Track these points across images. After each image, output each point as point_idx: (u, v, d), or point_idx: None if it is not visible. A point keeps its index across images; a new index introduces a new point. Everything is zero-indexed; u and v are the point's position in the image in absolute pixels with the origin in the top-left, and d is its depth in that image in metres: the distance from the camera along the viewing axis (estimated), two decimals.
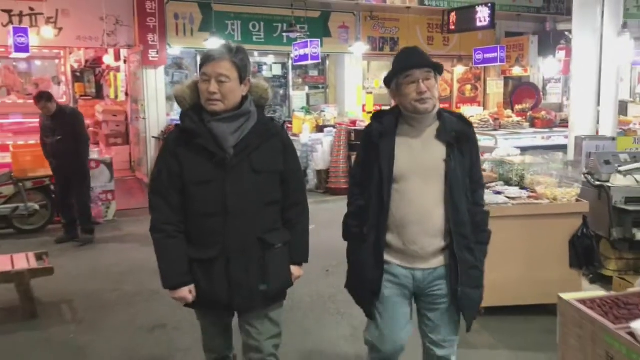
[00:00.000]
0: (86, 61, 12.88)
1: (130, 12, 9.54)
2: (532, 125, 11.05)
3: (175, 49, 10.18)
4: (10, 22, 8.80)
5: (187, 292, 2.43)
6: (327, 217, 5.23)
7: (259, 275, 2.47)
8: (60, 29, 9.11)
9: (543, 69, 13.31)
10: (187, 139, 2.39)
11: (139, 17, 9.46)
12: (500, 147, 6.38)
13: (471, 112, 11.81)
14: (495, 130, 10.56)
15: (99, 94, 13.99)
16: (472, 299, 2.53)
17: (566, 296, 3.16)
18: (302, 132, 10.02)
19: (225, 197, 2.37)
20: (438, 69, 2.47)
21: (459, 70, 13.01)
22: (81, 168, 6.54)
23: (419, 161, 2.47)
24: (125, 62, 10.12)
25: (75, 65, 12.21)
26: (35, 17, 9.00)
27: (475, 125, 10.14)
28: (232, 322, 2.69)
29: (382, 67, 12.32)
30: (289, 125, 10.90)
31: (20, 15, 8.92)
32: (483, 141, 8.55)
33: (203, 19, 10.05)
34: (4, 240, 6.51)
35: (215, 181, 2.37)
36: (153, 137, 9.82)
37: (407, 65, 2.46)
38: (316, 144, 9.56)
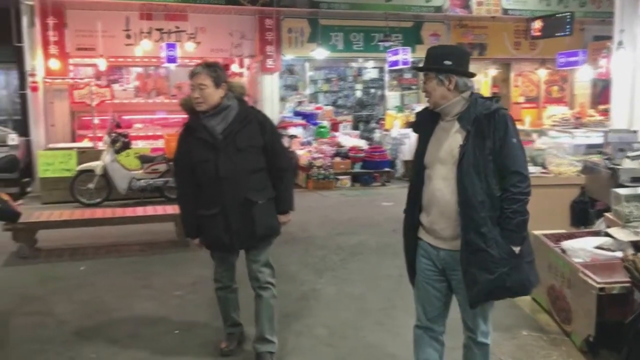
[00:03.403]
0: None
1: (253, 28, 11.57)
2: None
3: (288, 58, 12.11)
4: (162, 38, 11.14)
5: (197, 240, 3.56)
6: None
7: (248, 223, 3.39)
8: (199, 43, 11.31)
9: None
10: (191, 132, 3.41)
11: (259, 32, 11.51)
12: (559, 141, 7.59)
13: (556, 111, 12.71)
14: (575, 128, 11.43)
15: None
16: (478, 281, 2.54)
17: (537, 232, 4.58)
18: (393, 128, 11.60)
19: (218, 170, 3.31)
20: (441, 70, 2.61)
21: (543, 73, 13.86)
22: None
23: (442, 149, 2.65)
24: (247, 69, 12.20)
25: None
26: (180, 33, 11.29)
27: (556, 123, 11.12)
28: (235, 261, 3.69)
29: (472, 70, 13.51)
30: (382, 122, 12.53)
31: (169, 32, 11.24)
32: (561, 138, 9.58)
33: (311, 31, 11.91)
34: (159, 206, 8.69)
35: (212, 159, 3.32)
36: None
37: (414, 67, 3.28)
38: (404, 137, 11.06)
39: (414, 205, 2.78)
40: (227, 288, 3.73)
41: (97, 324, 4.33)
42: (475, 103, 2.63)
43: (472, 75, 2.71)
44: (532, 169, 5.74)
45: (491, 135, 2.53)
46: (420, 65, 2.87)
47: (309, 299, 4.84)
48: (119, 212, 6.87)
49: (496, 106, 2.60)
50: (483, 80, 13.63)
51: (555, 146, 6.15)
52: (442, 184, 2.63)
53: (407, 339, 3.10)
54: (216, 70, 3.36)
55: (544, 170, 5.61)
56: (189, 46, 11.04)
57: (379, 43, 12.12)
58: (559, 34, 11.53)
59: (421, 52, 12.50)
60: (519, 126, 4.09)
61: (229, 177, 3.32)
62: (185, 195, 3.55)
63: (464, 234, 2.55)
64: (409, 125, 3.41)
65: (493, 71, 13.23)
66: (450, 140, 2.63)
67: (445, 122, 2.70)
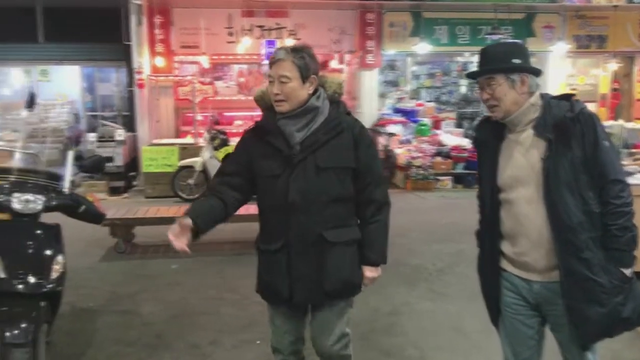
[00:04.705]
0: None
1: (352, 23, 11.29)
2: None
3: (388, 53, 11.73)
4: (262, 35, 11.16)
5: (182, 222, 2.37)
6: None
7: (317, 270, 2.46)
8: (298, 39, 11.21)
9: None
10: (261, 135, 2.50)
11: (360, 27, 11.21)
12: None
13: None
14: None
15: None
16: (586, 316, 2.17)
17: None
18: None
19: (288, 191, 2.41)
20: (512, 69, 2.21)
21: None
22: None
23: (519, 167, 2.26)
24: (347, 65, 11.95)
25: None
26: (280, 30, 11.26)
27: None
28: (303, 323, 2.68)
29: (590, 64, 12.49)
30: None
31: (269, 29, 11.24)
32: None
33: (414, 25, 11.43)
34: (252, 205, 8.67)
35: (282, 176, 2.43)
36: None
37: (468, 74, 2.48)
38: None
39: (491, 234, 2.38)
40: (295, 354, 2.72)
41: (181, 328, 4.25)
42: (549, 105, 2.24)
43: (540, 73, 2.32)
44: None
45: (580, 141, 2.16)
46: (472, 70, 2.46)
47: (399, 314, 4.50)
48: None
49: (580, 106, 2.21)
50: (602, 75, 12.51)
51: None
52: (527, 209, 2.25)
53: None
54: (304, 57, 2.42)
55: None
56: (289, 42, 10.96)
57: (487, 36, 11.38)
58: None
59: (533, 46, 11.73)
60: None
61: (301, 203, 2.42)
62: (214, 191, 2.56)
63: (563, 262, 2.18)
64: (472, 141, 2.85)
65: (614, 65, 12.09)
66: (528, 155, 2.25)
67: (516, 134, 2.29)
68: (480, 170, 2.46)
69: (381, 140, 10.86)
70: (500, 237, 2.36)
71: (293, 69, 2.40)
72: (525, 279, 2.32)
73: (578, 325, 2.21)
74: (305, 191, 2.42)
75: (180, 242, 2.37)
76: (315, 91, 2.48)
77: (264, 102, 2.56)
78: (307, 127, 2.45)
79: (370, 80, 11.58)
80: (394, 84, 13.05)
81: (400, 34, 11.46)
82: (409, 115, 11.61)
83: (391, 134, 10.83)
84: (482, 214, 2.47)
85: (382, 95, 12.25)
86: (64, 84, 12.30)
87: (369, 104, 11.43)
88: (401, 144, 10.71)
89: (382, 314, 4.48)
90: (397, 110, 11.89)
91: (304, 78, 2.42)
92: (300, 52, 2.43)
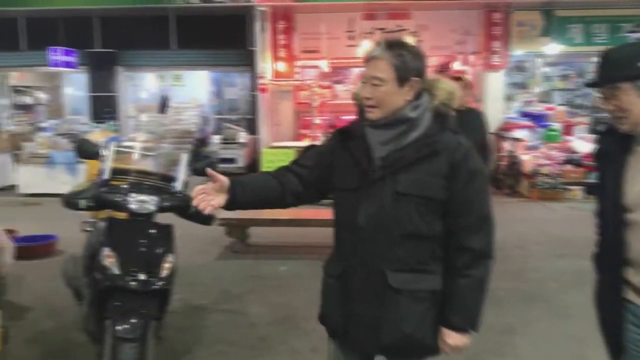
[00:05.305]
0: (438, 66, 14.77)
1: (477, 23, 10.87)
2: None
3: (516, 54, 11.11)
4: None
5: (218, 177, 1.99)
6: None
7: (376, 316, 2.01)
8: (420, 41, 10.97)
9: None
10: (345, 139, 2.11)
11: (485, 27, 10.75)
12: None
13: None
14: None
15: None
16: None
17: None
18: None
19: (358, 212, 2.00)
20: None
21: None
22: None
23: None
24: (471, 67, 11.50)
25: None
26: (401, 32, 11.07)
27: None
28: None
29: None
30: None
31: (391, 31, 11.08)
32: None
33: (544, 24, 10.75)
34: None
35: (355, 193, 2.02)
36: (490, 133, 11.00)
37: (587, 83, 2.23)
38: None
39: (613, 259, 2.08)
40: None
41: (284, 331, 4.26)
42: None
43: None
44: None
45: None
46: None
47: (514, 334, 4.19)
48: (323, 213, 6.84)
49: None
50: None
51: None
52: None
53: None
54: (403, 55, 1.95)
55: None
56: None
57: (627, 34, 10.45)
58: None
59: None
60: None
61: (368, 230, 1.98)
62: (275, 173, 2.20)
63: None
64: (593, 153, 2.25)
65: None
66: None
67: None
68: (601, 185, 2.14)
69: (506, 146, 10.33)
70: (624, 263, 2.04)
71: (388, 69, 1.94)
72: None
73: None
74: (376, 217, 1.97)
75: (204, 200, 1.97)
76: (419, 96, 2.00)
77: (360, 103, 2.22)
78: (395, 141, 1.99)
79: (496, 82, 11.06)
80: (521, 86, 12.35)
81: (529, 34, 10.84)
82: (538, 119, 10.92)
83: (517, 139, 10.26)
84: (602, 235, 2.17)
85: (509, 98, 11.62)
86: (195, 88, 13.05)
87: (494, 107, 10.92)
88: (528, 150, 10.11)
89: (495, 332, 4.18)
90: (525, 114, 11.23)
91: (402, 81, 1.95)
92: (399, 49, 1.96)
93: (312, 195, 2.21)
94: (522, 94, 12.03)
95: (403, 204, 1.95)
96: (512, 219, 7.63)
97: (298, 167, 2.19)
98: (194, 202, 1.98)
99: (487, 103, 10.94)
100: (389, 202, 1.96)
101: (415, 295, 1.99)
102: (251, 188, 2.11)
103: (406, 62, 1.94)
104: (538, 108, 11.35)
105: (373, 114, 1.99)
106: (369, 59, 1.99)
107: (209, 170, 2.01)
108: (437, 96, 2.13)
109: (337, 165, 2.11)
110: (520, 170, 9.83)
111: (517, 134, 10.40)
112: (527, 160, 9.78)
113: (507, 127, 10.69)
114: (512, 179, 9.90)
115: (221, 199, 2.01)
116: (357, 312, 2.04)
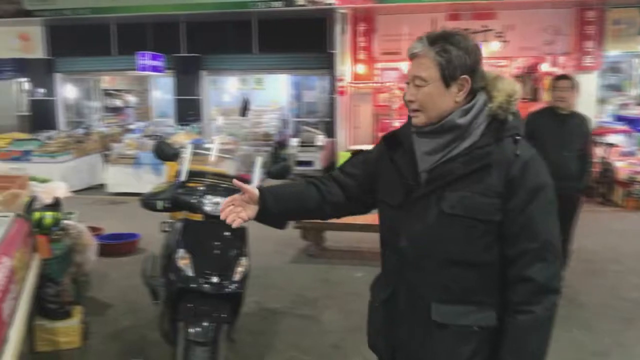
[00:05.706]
0: (526, 68, 14.16)
1: (568, 22, 10.30)
2: None
3: (611, 54, 10.44)
4: None
5: (247, 189, 1.80)
6: None
7: (422, 350, 1.76)
8: (506, 42, 10.55)
9: None
10: (393, 148, 1.85)
11: (577, 26, 10.17)
12: None
13: None
14: None
15: (535, 97, 15.10)
16: None
17: None
18: None
19: (399, 232, 1.77)
20: None
21: None
22: None
23: None
24: (561, 68, 10.91)
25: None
26: (486, 33, 10.68)
27: None
28: None
29: None
30: None
31: (475, 32, 10.68)
32: None
33: None
34: None
35: (398, 211, 1.78)
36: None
37: None
38: None
39: None
40: None
41: (358, 341, 4.06)
42: None
43: None
44: None
45: None
46: None
47: (608, 356, 3.85)
48: None
49: None
50: None
51: None
52: None
53: None
54: (448, 51, 1.65)
55: None
56: (494, 45, 10.36)
57: None
58: None
59: None
60: None
61: (410, 254, 1.74)
62: (314, 179, 1.99)
63: None
64: None
65: None
66: None
67: None
68: None
69: (598, 152, 9.70)
70: None
71: (431, 67, 1.66)
72: None
73: None
74: (418, 240, 1.72)
75: (233, 212, 1.78)
76: (473, 97, 1.70)
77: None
78: (443, 151, 1.71)
79: (588, 85, 10.38)
80: (616, 88, 11.59)
81: (626, 32, 10.16)
82: (634, 124, 10.20)
83: (611, 145, 9.62)
84: None
85: (602, 101, 10.94)
86: (275, 92, 13.20)
87: (586, 110, 10.19)
88: (623, 156, 9.46)
89: (587, 353, 3.87)
90: (620, 118, 10.54)
91: (448, 79, 1.66)
92: (444, 43, 1.65)
93: (356, 206, 2.00)
94: (617, 96, 11.30)
95: (448, 225, 1.67)
96: (605, 230, 7.14)
97: (343, 175, 1.98)
98: (222, 216, 1.80)
99: (578, 107, 10.32)
100: (433, 222, 1.69)
101: (462, 332, 1.70)
102: (285, 198, 1.91)
103: (453, 58, 1.65)
104: (634, 112, 10.62)
105: (417, 119, 1.74)
106: (411, 56, 1.74)
107: (235, 181, 1.86)
108: (495, 98, 1.70)
109: (381, 176, 1.87)
110: (614, 177, 9.21)
111: (611, 139, 9.77)
112: (622, 167, 9.15)
113: (600, 131, 10.02)
114: (605, 187, 9.29)
115: (251, 210, 1.82)
116: (402, 344, 1.80)
